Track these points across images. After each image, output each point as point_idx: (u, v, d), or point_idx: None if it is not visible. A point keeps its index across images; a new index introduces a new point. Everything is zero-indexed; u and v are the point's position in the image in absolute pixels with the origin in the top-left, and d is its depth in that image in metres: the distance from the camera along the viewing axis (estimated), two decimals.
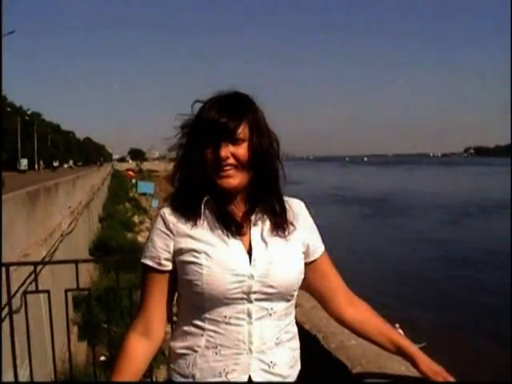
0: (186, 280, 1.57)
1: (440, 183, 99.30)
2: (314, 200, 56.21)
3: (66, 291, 3.46)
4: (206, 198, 1.59)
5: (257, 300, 1.55)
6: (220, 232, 1.58)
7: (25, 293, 3.57)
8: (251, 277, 1.54)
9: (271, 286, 1.56)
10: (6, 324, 3.69)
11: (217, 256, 1.54)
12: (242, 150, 1.55)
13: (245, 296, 1.54)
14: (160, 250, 1.61)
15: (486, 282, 27.49)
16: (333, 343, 2.44)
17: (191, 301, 1.59)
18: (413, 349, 1.72)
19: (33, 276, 3.49)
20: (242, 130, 1.56)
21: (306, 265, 1.68)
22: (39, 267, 4.39)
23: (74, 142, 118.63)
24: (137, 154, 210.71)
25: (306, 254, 1.69)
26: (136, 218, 39.84)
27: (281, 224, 1.63)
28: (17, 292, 5.76)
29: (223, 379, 1.55)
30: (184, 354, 1.60)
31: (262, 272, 1.55)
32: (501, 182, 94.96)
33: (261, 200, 1.62)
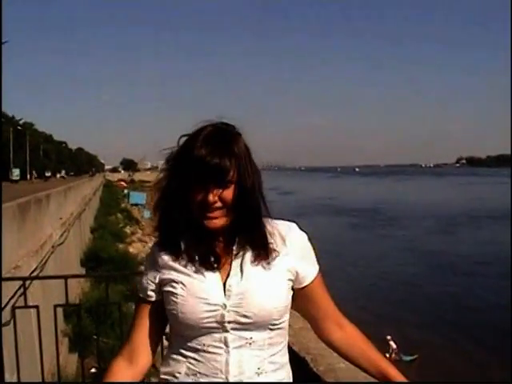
0: (167, 309, 1.62)
1: (431, 193, 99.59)
2: (304, 210, 56.34)
3: (55, 307, 3.42)
4: (185, 233, 1.61)
5: (233, 329, 1.55)
6: (199, 264, 1.60)
7: (14, 308, 3.54)
8: (223, 306, 1.54)
9: (246, 316, 1.55)
10: None
11: (192, 286, 1.57)
12: (228, 193, 1.55)
13: (219, 325, 1.55)
14: (149, 282, 1.67)
15: (476, 292, 27.58)
16: (322, 366, 2.42)
17: (174, 329, 1.63)
18: (397, 376, 1.67)
19: (22, 289, 3.46)
20: (232, 173, 1.55)
21: (296, 290, 1.66)
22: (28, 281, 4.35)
23: (66, 152, 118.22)
24: (129, 165, 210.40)
25: (295, 280, 1.66)
26: (128, 229, 39.82)
27: (262, 253, 1.61)
28: (6, 305, 5.73)
29: None
30: (166, 380, 1.63)
31: (235, 302, 1.55)
32: (492, 192, 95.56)
33: (242, 232, 1.61)
